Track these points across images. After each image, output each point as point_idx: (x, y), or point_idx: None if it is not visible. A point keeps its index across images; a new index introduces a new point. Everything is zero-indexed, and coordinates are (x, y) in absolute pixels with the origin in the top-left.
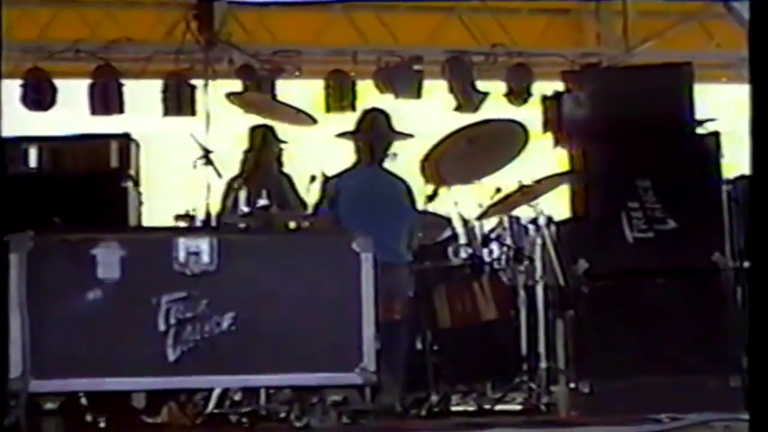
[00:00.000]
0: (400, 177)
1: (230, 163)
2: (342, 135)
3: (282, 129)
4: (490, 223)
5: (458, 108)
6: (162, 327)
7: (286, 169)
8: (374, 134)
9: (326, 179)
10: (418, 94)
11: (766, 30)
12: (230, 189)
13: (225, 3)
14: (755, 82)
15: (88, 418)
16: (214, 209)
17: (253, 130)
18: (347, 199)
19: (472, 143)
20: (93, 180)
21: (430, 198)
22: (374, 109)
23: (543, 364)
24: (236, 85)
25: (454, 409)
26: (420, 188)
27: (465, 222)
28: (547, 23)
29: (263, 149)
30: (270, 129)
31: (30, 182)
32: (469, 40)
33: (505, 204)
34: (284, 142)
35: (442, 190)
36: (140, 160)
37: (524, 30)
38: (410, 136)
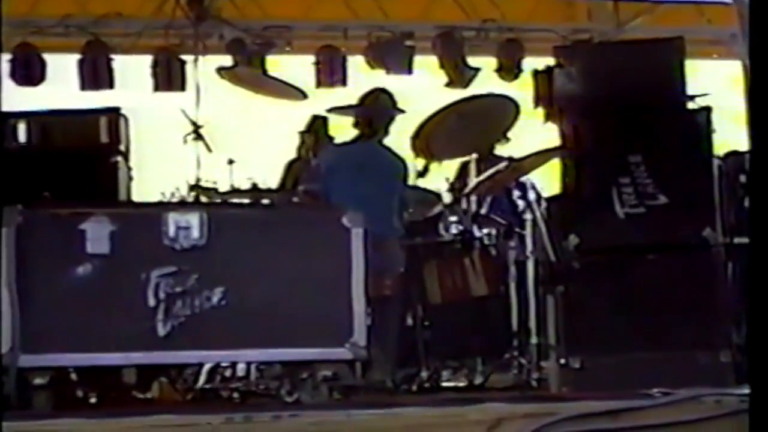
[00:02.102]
0: (399, 156)
1: (220, 137)
2: (341, 109)
3: None
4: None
5: (449, 84)
6: (152, 302)
7: None
8: (375, 109)
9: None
10: (409, 70)
11: (766, 15)
12: (290, 170)
13: None
14: (755, 63)
15: (79, 393)
16: (205, 184)
17: (315, 119)
18: (342, 172)
19: (462, 118)
20: (82, 155)
21: (421, 174)
22: (378, 88)
23: (533, 340)
24: (226, 60)
25: (444, 384)
26: (411, 163)
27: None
28: None
29: (322, 138)
30: (325, 120)
31: (19, 157)
32: (460, 15)
33: (495, 180)
34: (333, 138)
35: (433, 166)
36: (130, 135)
37: (515, 5)
38: (402, 111)
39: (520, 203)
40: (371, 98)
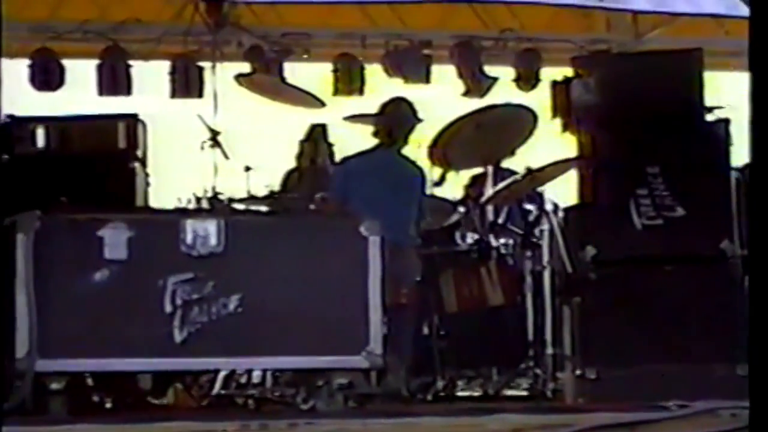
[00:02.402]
0: (417, 165)
1: (237, 144)
2: (361, 117)
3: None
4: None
5: (466, 93)
6: (168, 308)
7: None
8: (395, 118)
9: (333, 162)
10: (426, 79)
11: (767, 24)
12: (289, 179)
13: None
14: (755, 74)
15: (94, 398)
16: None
17: (314, 127)
18: (360, 180)
19: (480, 128)
20: (100, 160)
21: (438, 183)
22: (399, 98)
23: (549, 351)
24: (244, 67)
25: (459, 394)
26: (428, 173)
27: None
28: (556, 9)
29: (320, 146)
30: (324, 127)
31: (37, 162)
32: (478, 24)
33: (512, 190)
34: (332, 144)
35: (450, 175)
36: (148, 141)
37: (534, 15)
38: (420, 120)
39: (537, 213)
40: (392, 107)
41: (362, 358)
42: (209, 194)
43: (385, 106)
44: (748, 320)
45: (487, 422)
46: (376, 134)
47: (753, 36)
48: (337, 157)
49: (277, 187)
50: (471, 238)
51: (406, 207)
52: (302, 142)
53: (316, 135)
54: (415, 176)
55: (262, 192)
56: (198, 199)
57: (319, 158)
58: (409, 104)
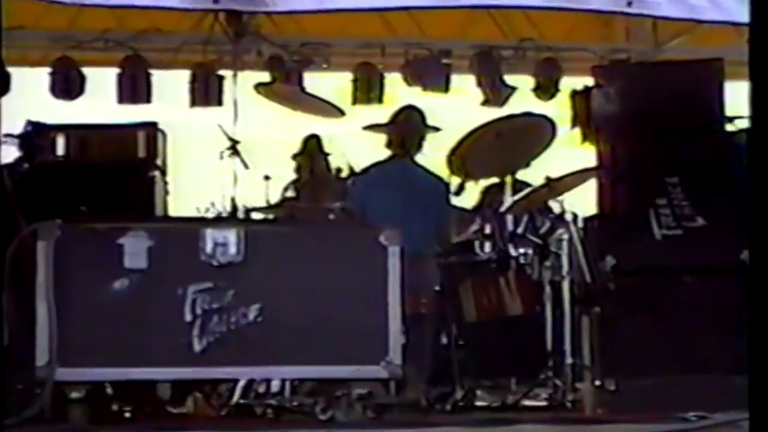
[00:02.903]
0: (435, 173)
1: (256, 153)
2: (374, 127)
3: None
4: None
5: (485, 102)
6: (188, 317)
7: None
8: (406, 127)
9: (353, 173)
10: (446, 88)
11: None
12: (286, 189)
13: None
14: (755, 81)
15: (114, 407)
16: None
17: (308, 139)
18: (378, 190)
19: (499, 137)
20: (120, 169)
21: (457, 192)
22: (409, 106)
23: (568, 361)
24: (264, 76)
25: (478, 404)
26: (448, 179)
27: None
28: (575, 18)
29: (317, 156)
30: (318, 138)
31: (57, 171)
32: (497, 34)
33: (531, 199)
34: (328, 154)
35: (469, 184)
36: (167, 149)
37: (553, 25)
38: (438, 129)
39: (557, 223)
40: (403, 116)
41: (381, 368)
42: (228, 203)
43: (396, 115)
44: (748, 328)
45: None
46: (389, 144)
47: (753, 43)
48: (343, 166)
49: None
50: (490, 247)
51: (424, 216)
52: (296, 156)
53: (311, 147)
54: (434, 184)
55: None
56: (212, 206)
57: (317, 169)
58: (420, 112)
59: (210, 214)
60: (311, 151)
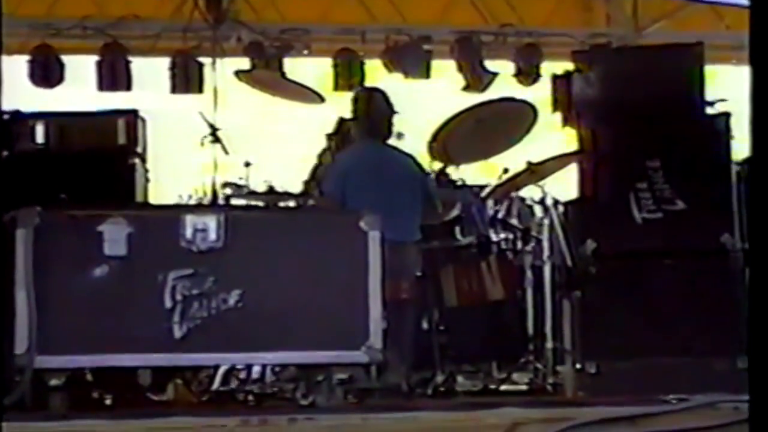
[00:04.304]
0: (403, 151)
1: (237, 140)
2: (346, 121)
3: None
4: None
5: (466, 88)
6: (168, 304)
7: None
8: (372, 113)
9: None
10: (426, 74)
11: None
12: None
13: None
14: (756, 68)
15: (94, 394)
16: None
17: (342, 121)
18: (354, 178)
19: (480, 123)
20: (100, 156)
21: (437, 177)
22: (366, 89)
23: (549, 345)
24: (244, 62)
25: (459, 388)
26: (428, 168)
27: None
28: (556, 3)
29: (347, 141)
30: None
31: (37, 158)
32: (478, 19)
33: (512, 184)
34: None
35: (450, 170)
36: (147, 137)
37: (533, 10)
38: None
39: (538, 208)
40: (362, 101)
41: (362, 353)
42: (209, 190)
43: (356, 103)
44: (748, 314)
45: (487, 416)
46: (359, 129)
47: (753, 27)
48: None
49: (276, 182)
50: (471, 232)
51: (404, 197)
52: (330, 136)
53: (345, 129)
54: (407, 163)
55: (261, 187)
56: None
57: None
58: (383, 94)
59: (192, 201)
60: (344, 133)
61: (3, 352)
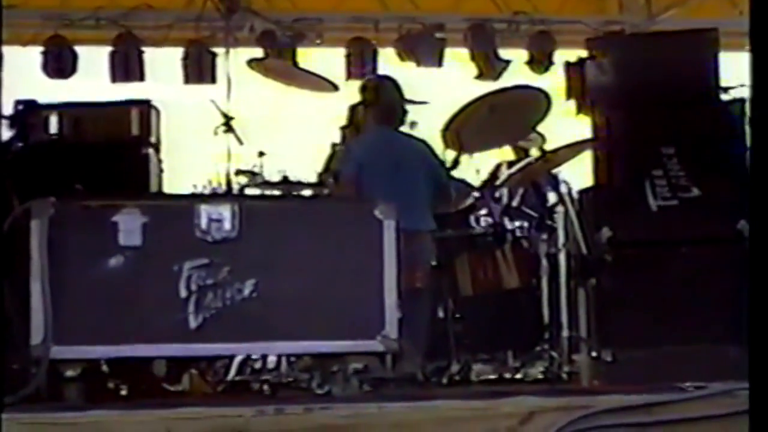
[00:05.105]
0: (417, 138)
1: (251, 129)
2: (356, 106)
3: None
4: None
5: (480, 76)
6: (183, 294)
7: None
8: (383, 100)
9: (336, 145)
10: (439, 62)
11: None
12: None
13: None
14: (756, 53)
15: (110, 385)
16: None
17: (353, 109)
18: (368, 166)
19: (493, 111)
20: (114, 147)
21: (452, 166)
22: (377, 77)
23: (565, 333)
24: (257, 52)
25: (475, 377)
26: (441, 156)
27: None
28: None
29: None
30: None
31: (51, 149)
32: (491, 7)
33: (526, 172)
34: None
35: (464, 158)
36: (161, 127)
37: None
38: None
39: (552, 195)
40: (370, 90)
41: (377, 342)
42: (223, 180)
43: (364, 92)
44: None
45: (503, 405)
46: (373, 116)
47: (754, 13)
48: None
49: (291, 172)
50: (486, 221)
51: (418, 185)
52: (344, 128)
53: (357, 117)
54: (421, 149)
55: (276, 177)
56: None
57: None
58: (393, 81)
59: (207, 191)
60: (358, 119)
61: (19, 344)
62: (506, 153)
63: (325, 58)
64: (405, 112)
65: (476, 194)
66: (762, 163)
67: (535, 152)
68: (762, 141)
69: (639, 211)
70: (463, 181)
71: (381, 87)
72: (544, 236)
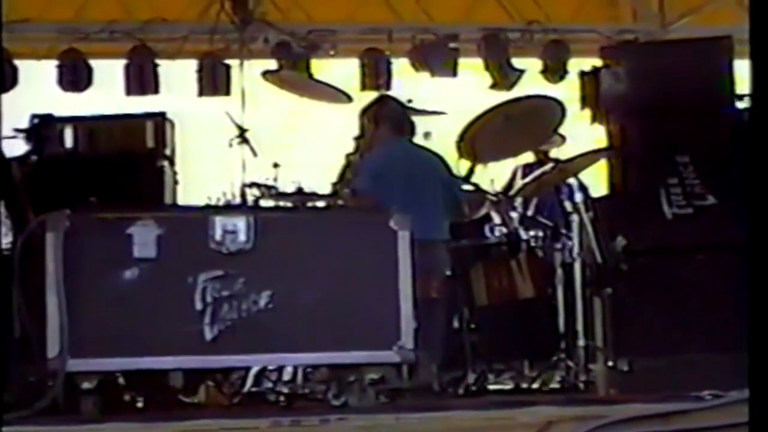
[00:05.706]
0: (431, 151)
1: (265, 141)
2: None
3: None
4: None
5: (494, 86)
6: (199, 306)
7: None
8: (391, 114)
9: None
10: (453, 72)
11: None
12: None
13: None
14: (756, 61)
15: (126, 397)
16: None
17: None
18: (383, 177)
19: (508, 120)
20: (129, 160)
21: (466, 177)
22: (375, 99)
23: (581, 342)
24: (271, 64)
25: (491, 387)
26: (455, 166)
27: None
28: None
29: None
30: None
31: (66, 162)
32: (504, 17)
33: (541, 181)
34: None
35: (478, 168)
36: (176, 139)
37: (559, 6)
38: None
39: (567, 205)
40: (375, 108)
41: (393, 353)
42: (237, 191)
43: (370, 109)
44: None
45: (520, 415)
46: (386, 130)
47: (753, 21)
48: None
49: (305, 183)
50: (500, 230)
51: (431, 196)
52: (358, 138)
53: (366, 140)
54: (437, 163)
55: (290, 188)
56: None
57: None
58: (390, 96)
59: (222, 203)
60: (370, 144)
61: (36, 357)
62: (525, 155)
63: (339, 70)
64: (412, 122)
65: (493, 198)
66: (762, 168)
67: (555, 153)
68: (762, 147)
69: (654, 219)
70: (478, 188)
71: (382, 103)
72: (559, 245)
